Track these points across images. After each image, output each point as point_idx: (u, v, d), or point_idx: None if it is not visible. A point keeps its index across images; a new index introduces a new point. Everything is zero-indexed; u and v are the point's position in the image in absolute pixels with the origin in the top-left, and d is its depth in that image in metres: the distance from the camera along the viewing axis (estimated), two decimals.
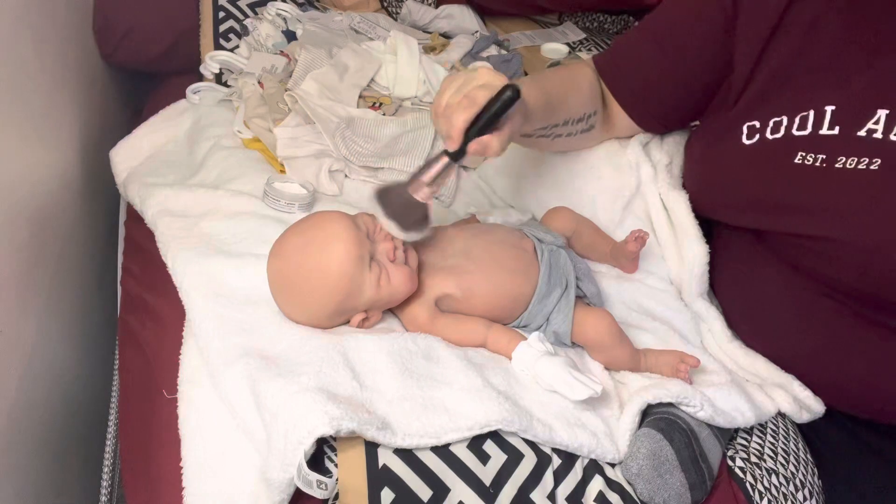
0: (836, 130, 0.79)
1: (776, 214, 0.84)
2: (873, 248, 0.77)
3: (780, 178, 0.83)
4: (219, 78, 1.30)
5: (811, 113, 0.81)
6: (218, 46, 1.35)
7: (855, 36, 0.81)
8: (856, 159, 0.77)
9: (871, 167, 0.77)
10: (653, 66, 0.96)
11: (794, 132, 0.82)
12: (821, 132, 0.80)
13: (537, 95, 0.85)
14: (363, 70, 1.27)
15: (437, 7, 1.57)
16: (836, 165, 0.78)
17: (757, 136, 0.85)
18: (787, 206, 0.83)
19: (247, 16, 1.39)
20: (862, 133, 0.78)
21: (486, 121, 0.75)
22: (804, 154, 0.81)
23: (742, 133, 0.86)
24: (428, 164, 0.80)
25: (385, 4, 1.58)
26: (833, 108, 0.80)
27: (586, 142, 1.02)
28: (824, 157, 0.79)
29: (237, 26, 1.38)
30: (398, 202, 0.81)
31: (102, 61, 1.41)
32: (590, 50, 1.54)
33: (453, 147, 0.77)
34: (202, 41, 1.36)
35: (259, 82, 1.21)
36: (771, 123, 0.84)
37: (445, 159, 0.78)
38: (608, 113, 1.01)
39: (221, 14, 1.37)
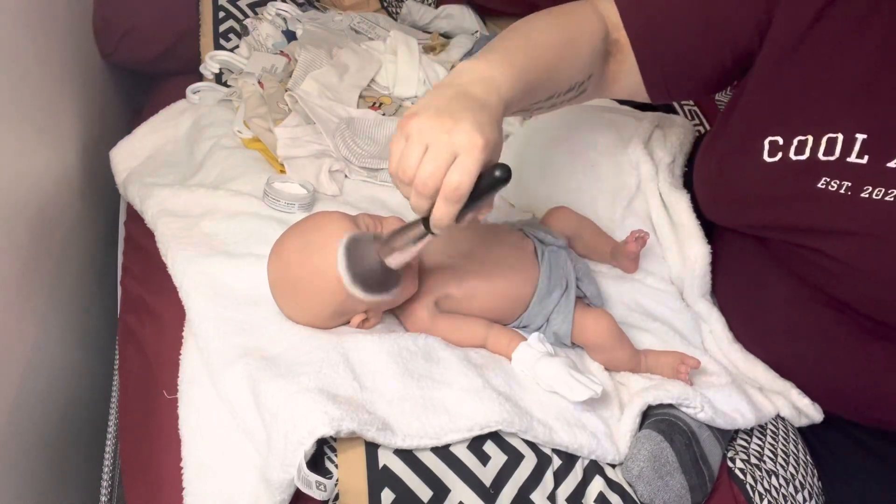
0: (865, 160, 0.75)
1: (793, 233, 0.82)
2: (891, 278, 0.75)
3: (802, 201, 0.79)
4: (219, 78, 1.30)
5: (839, 137, 0.77)
6: (218, 46, 1.35)
7: (894, 58, 0.76)
8: (883, 190, 0.74)
9: None
10: (688, 30, 0.85)
11: (821, 156, 0.78)
12: (848, 160, 0.76)
13: (517, 86, 0.75)
14: (363, 70, 1.27)
15: (437, 7, 1.57)
16: (862, 195, 0.75)
17: (779, 155, 0.81)
18: (805, 227, 0.80)
19: (247, 16, 1.39)
20: (892, 164, 0.74)
21: (473, 198, 0.67)
22: (828, 179, 0.77)
23: (763, 149, 0.82)
24: (403, 230, 0.73)
25: (385, 4, 1.58)
26: (865, 136, 0.75)
27: (572, 104, 0.92)
28: (850, 184, 0.76)
29: (237, 26, 1.38)
30: (367, 261, 0.75)
31: (102, 61, 1.41)
32: None
33: (439, 232, 0.69)
34: (202, 41, 1.36)
35: (259, 82, 1.21)
36: (795, 142, 0.80)
37: (423, 233, 0.71)
38: (611, 70, 0.90)
39: (221, 14, 1.37)
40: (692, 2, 0.85)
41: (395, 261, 0.74)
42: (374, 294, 0.76)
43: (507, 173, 0.66)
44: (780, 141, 0.81)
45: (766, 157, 0.82)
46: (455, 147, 0.65)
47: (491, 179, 0.66)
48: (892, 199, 0.74)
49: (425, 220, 0.70)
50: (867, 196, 0.75)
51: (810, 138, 0.79)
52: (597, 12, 0.87)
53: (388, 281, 0.77)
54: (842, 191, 0.76)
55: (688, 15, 0.85)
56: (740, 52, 0.85)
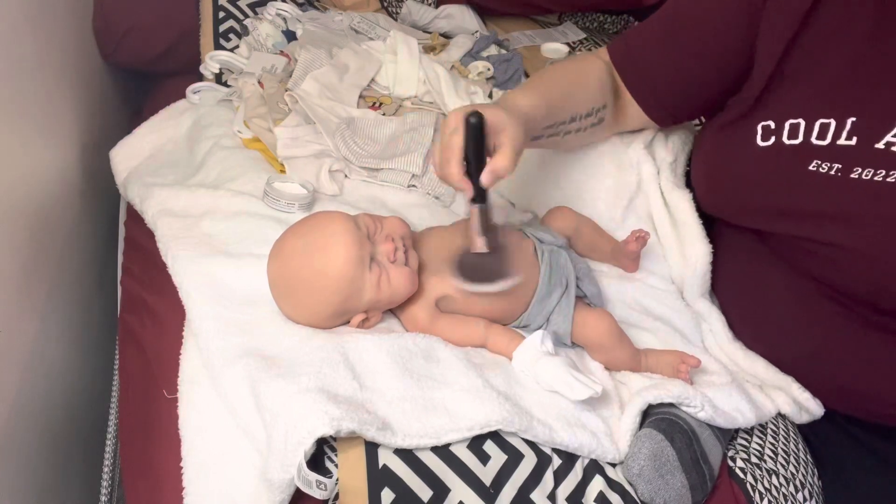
0: (854, 141, 0.77)
1: (786, 218, 0.83)
2: (885, 260, 0.76)
3: (793, 184, 0.81)
4: (219, 78, 1.30)
5: (832, 122, 0.79)
6: (218, 46, 1.35)
7: (881, 45, 0.78)
8: (872, 171, 0.76)
9: (888, 179, 0.75)
10: (671, 62, 0.93)
11: (813, 141, 0.80)
12: (839, 142, 0.78)
13: (535, 101, 0.86)
14: (363, 70, 1.27)
15: (437, 7, 1.57)
16: (852, 176, 0.77)
17: (772, 139, 0.83)
18: (798, 211, 0.81)
19: (247, 16, 1.39)
20: (880, 145, 0.76)
21: (474, 154, 0.77)
22: (819, 162, 0.79)
23: (756, 133, 0.84)
24: (468, 221, 0.82)
25: (385, 4, 1.58)
26: (854, 119, 0.78)
27: (597, 135, 1.00)
28: (840, 166, 0.78)
29: (237, 26, 1.38)
30: (472, 265, 0.82)
31: (102, 61, 1.41)
32: (589, 50, 1.54)
33: (469, 195, 0.78)
34: (202, 41, 1.36)
35: (259, 82, 1.21)
36: (787, 126, 0.82)
37: (475, 207, 0.80)
38: (620, 104, 0.99)
39: (221, 14, 1.37)
40: (670, 35, 0.93)
41: (478, 244, 0.81)
42: (495, 284, 0.81)
43: (477, 117, 0.75)
44: (772, 125, 0.83)
45: (759, 142, 0.84)
46: (448, 127, 0.78)
47: (471, 128, 0.75)
48: (880, 179, 0.76)
49: (472, 199, 0.80)
50: (857, 177, 0.77)
51: (802, 122, 0.81)
52: (600, 58, 1.00)
53: (498, 265, 0.82)
54: (832, 172, 0.78)
55: (666, 47, 0.93)
56: (731, 70, 0.89)
